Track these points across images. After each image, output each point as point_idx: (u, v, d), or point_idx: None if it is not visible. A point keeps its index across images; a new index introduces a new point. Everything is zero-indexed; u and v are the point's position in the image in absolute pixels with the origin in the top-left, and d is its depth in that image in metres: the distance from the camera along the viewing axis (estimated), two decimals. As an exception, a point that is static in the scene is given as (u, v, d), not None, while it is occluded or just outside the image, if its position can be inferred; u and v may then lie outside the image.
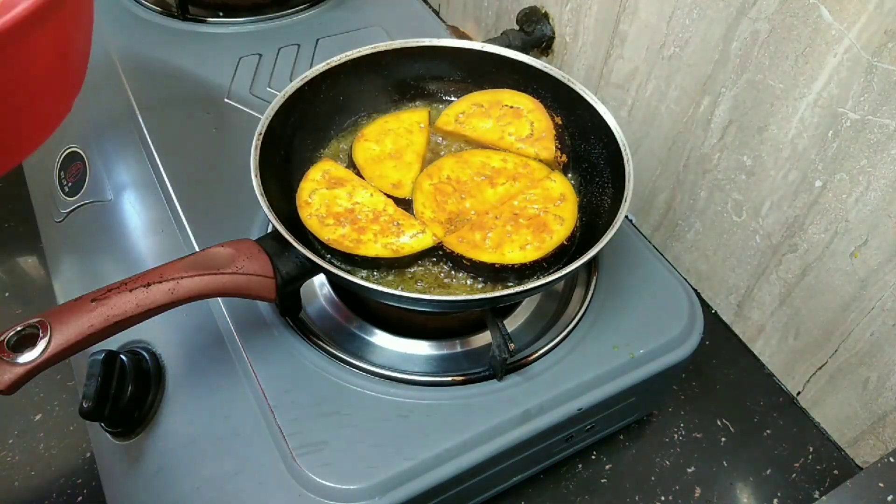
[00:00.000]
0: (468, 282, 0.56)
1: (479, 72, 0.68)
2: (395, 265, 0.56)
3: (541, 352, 0.57)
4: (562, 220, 0.58)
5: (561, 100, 0.65)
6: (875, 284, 0.59)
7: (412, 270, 0.57)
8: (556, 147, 0.64)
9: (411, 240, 0.56)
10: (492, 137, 0.65)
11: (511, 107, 0.66)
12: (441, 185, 0.60)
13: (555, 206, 0.59)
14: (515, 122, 0.65)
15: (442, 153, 0.65)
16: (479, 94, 0.67)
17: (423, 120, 0.66)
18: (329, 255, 0.56)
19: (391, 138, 0.64)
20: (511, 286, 0.54)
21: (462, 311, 0.60)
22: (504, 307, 0.61)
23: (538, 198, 0.60)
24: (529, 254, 0.55)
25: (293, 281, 0.53)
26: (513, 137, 0.64)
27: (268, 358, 0.55)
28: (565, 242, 0.57)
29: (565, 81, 0.63)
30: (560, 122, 0.66)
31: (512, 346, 0.51)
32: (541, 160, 0.63)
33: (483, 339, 0.60)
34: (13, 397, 0.70)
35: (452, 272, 0.57)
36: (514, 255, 0.55)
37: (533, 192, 0.60)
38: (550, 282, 0.50)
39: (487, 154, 0.63)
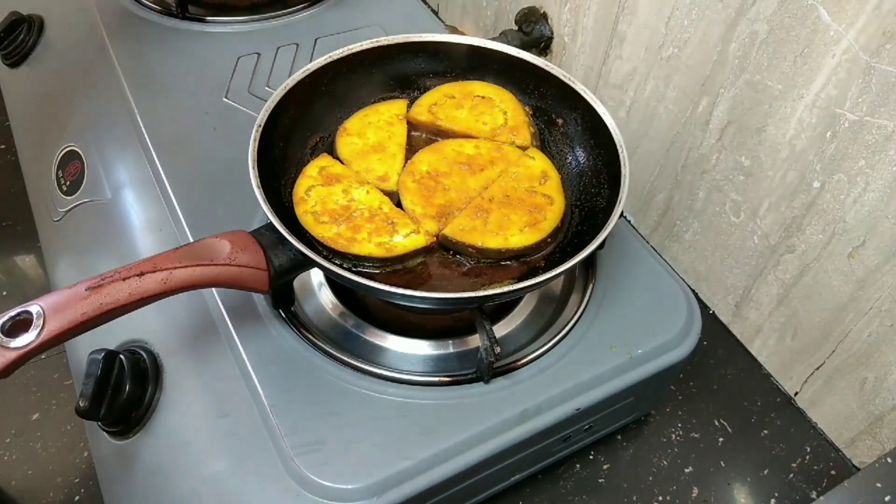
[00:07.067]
0: (464, 276, 0.56)
1: (478, 68, 0.68)
2: (388, 264, 0.56)
3: (539, 352, 0.57)
4: (550, 198, 0.58)
5: (559, 99, 0.65)
6: (873, 285, 0.60)
7: (410, 266, 0.57)
8: (531, 134, 0.64)
9: (405, 239, 0.56)
10: (467, 127, 0.65)
11: (482, 97, 0.66)
12: (423, 181, 0.60)
13: (540, 185, 0.60)
14: (489, 112, 0.65)
15: (414, 143, 0.65)
16: (450, 86, 0.68)
17: (401, 111, 0.66)
18: (324, 251, 0.56)
19: (372, 131, 0.64)
20: (508, 282, 0.54)
21: (455, 309, 0.60)
22: (500, 308, 0.62)
23: (522, 176, 0.60)
24: (529, 236, 0.56)
25: (286, 273, 0.53)
26: (487, 126, 0.65)
27: (266, 358, 0.55)
28: (559, 224, 0.57)
29: (566, 80, 0.63)
30: (530, 112, 0.66)
31: (498, 349, 0.51)
32: (518, 147, 0.64)
33: (482, 338, 0.60)
34: (10, 396, 0.71)
35: (452, 266, 0.57)
36: (516, 237, 0.56)
37: (515, 170, 0.60)
38: (543, 280, 0.49)
39: (459, 143, 0.64)
